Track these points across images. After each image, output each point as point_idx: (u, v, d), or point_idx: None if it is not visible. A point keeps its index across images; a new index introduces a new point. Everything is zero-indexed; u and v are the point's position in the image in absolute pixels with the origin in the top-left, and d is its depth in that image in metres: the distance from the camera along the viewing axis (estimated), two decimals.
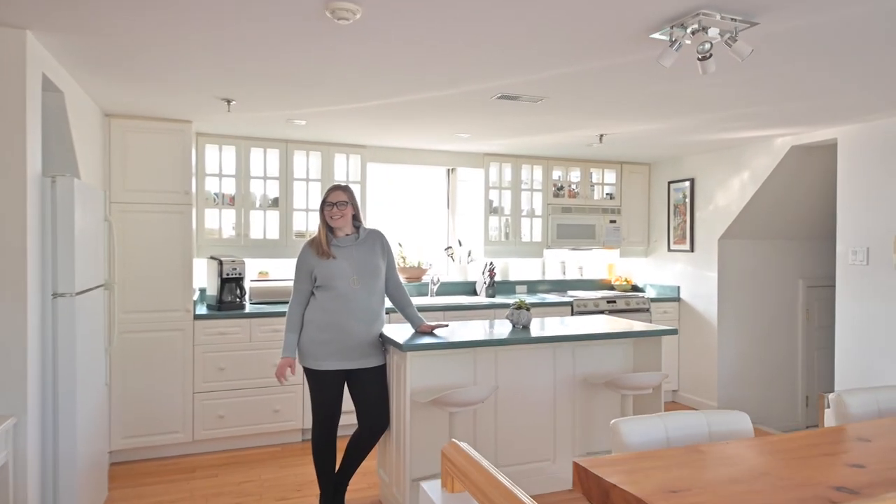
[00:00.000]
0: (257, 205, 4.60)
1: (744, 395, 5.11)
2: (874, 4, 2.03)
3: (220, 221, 4.49)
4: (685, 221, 5.38)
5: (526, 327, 3.42)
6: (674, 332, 3.50)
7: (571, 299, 5.09)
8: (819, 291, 5.33)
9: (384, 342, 3.14)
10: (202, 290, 4.58)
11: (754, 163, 4.70)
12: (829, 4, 2.04)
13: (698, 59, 2.28)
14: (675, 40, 2.20)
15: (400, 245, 5.37)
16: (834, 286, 5.28)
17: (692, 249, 5.30)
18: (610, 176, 5.74)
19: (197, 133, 4.34)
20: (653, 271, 5.79)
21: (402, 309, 3.23)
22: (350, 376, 3.05)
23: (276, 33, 2.34)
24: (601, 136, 4.33)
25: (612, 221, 5.64)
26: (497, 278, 5.52)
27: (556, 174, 5.55)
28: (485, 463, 1.15)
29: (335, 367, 2.98)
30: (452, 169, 5.57)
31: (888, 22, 2.19)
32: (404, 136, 4.53)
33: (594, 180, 5.67)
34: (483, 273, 5.33)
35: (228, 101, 3.40)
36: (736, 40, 2.16)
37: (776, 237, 5.16)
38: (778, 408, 5.23)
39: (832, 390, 5.36)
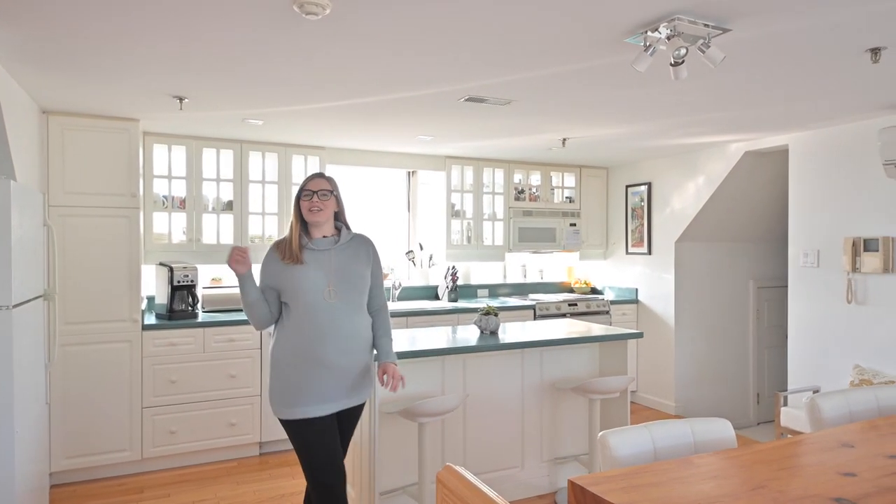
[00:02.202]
0: (210, 208, 4.39)
1: (700, 394, 5.23)
2: (820, 17, 2.08)
3: (170, 226, 4.26)
4: (643, 224, 5.46)
5: (494, 333, 3.37)
6: (639, 335, 3.52)
7: (533, 303, 5.09)
8: (768, 292, 5.51)
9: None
10: (150, 299, 4.33)
11: (709, 168, 4.81)
12: (792, 14, 2.06)
13: (671, 64, 2.28)
14: (650, 45, 2.19)
15: None
16: (782, 287, 5.48)
17: (650, 252, 5.38)
18: (569, 179, 5.78)
19: (144, 132, 4.10)
20: (612, 273, 5.86)
21: (378, 337, 2.47)
22: (341, 414, 2.39)
23: (238, 28, 2.21)
24: (564, 139, 4.33)
25: (572, 224, 5.67)
26: (459, 282, 5.46)
27: (517, 177, 5.54)
28: (485, 488, 1.08)
29: (320, 412, 2.26)
30: (413, 172, 5.49)
31: (833, 34, 2.25)
32: (366, 138, 4.42)
33: (554, 184, 5.70)
34: (445, 277, 5.26)
35: (181, 99, 3.22)
36: (709, 46, 2.16)
37: (729, 240, 5.31)
38: (731, 406, 5.37)
39: (782, 388, 5.54)
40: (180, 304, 4.04)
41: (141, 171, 3.89)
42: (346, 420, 2.42)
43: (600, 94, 3.13)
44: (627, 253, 5.64)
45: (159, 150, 4.24)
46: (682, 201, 5.05)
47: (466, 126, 3.93)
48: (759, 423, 5.48)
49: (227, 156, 4.43)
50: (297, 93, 3.12)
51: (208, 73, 2.79)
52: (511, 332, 3.50)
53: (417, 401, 2.79)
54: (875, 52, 2.42)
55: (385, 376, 2.41)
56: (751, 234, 5.33)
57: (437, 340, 3.20)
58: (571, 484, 1.32)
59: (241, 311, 4.40)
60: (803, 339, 4.12)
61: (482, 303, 5.16)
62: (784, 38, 2.32)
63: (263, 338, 4.09)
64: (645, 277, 5.45)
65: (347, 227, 2.47)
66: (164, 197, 4.26)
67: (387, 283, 5.20)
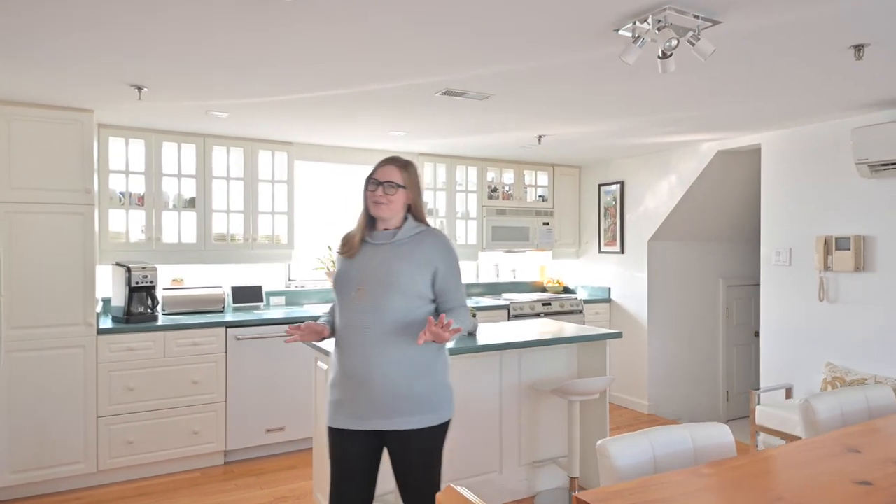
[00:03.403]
0: (170, 205, 4.17)
1: (672, 392, 5.24)
2: (809, 10, 2.04)
3: (128, 224, 4.02)
4: (615, 223, 5.45)
5: (472, 334, 3.27)
6: (618, 335, 3.47)
7: (507, 303, 5.01)
8: (737, 290, 5.56)
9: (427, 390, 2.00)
10: (106, 301, 4.09)
11: (682, 167, 4.82)
12: (784, 7, 2.02)
13: (659, 57, 2.22)
14: (639, 36, 2.12)
15: (329, 249, 5.08)
16: (750, 285, 5.54)
17: (622, 251, 5.37)
18: (542, 178, 5.73)
19: (99, 124, 3.86)
20: (584, 273, 5.83)
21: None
22: (385, 439, 2.03)
23: (202, 11, 2.05)
24: (540, 136, 4.26)
25: (545, 223, 5.62)
26: None
27: (490, 175, 5.46)
28: None
29: (342, 424, 2.00)
30: None
31: (819, 29, 2.22)
32: (336, 133, 4.26)
33: (527, 182, 5.64)
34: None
35: (139, 88, 3.02)
36: (699, 39, 2.11)
37: (701, 239, 5.33)
38: (702, 404, 5.40)
39: (750, 385, 5.61)
40: (139, 307, 3.82)
41: (96, 165, 3.65)
42: (394, 453, 2.00)
43: (581, 90, 3.07)
44: (600, 252, 5.62)
45: (116, 144, 4.00)
46: (655, 200, 5.05)
47: (442, 121, 3.82)
48: (728, 420, 5.53)
49: (189, 150, 4.21)
50: (264, 83, 2.96)
51: (168, 60, 2.60)
52: (488, 333, 3.40)
53: None
54: (859, 48, 2.41)
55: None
56: (721, 233, 5.37)
57: None
58: (578, 501, 1.22)
59: (204, 312, 4.20)
60: (775, 337, 4.15)
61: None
62: (770, 33, 2.28)
63: (229, 341, 3.89)
64: (618, 276, 5.44)
65: (425, 222, 2.10)
66: (121, 193, 4.02)
67: None
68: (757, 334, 5.58)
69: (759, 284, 5.49)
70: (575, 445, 3.24)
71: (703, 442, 1.59)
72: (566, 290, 5.94)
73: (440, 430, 2.04)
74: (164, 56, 2.55)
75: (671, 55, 2.21)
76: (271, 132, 4.21)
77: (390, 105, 3.40)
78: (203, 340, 3.83)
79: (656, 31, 2.08)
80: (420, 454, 2.00)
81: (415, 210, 2.09)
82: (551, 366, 3.50)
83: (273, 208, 4.49)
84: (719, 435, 1.62)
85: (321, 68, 2.71)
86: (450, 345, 2.99)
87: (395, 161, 2.08)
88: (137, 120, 3.82)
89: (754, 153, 4.52)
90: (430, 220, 5.01)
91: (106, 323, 3.74)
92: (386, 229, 2.07)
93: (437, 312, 2.05)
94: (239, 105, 3.41)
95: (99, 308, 3.76)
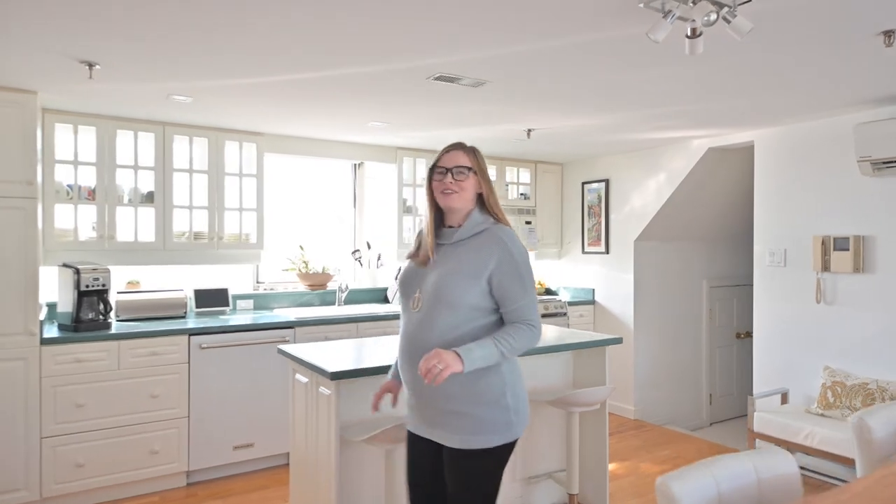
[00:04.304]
0: (126, 200, 3.77)
1: (657, 397, 5.09)
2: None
3: (76, 220, 3.61)
4: (600, 223, 5.27)
5: None
6: (618, 341, 3.27)
7: None
8: (720, 291, 5.46)
9: (454, 404, 1.79)
10: (52, 307, 3.67)
11: (671, 165, 4.66)
12: None
13: (687, 36, 2.01)
14: (669, 11, 1.90)
15: (301, 249, 4.74)
16: (732, 286, 5.45)
17: (607, 251, 5.20)
18: (524, 175, 5.51)
19: (44, 108, 3.45)
20: (567, 273, 5.64)
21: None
22: (443, 450, 1.88)
23: None
24: (529, 130, 4.03)
25: (528, 223, 5.40)
26: None
27: None
28: None
29: (414, 430, 1.93)
30: (360, 164, 5.03)
31: (850, 11, 2.05)
32: (310, 124, 3.94)
33: (508, 179, 5.41)
34: (396, 278, 4.85)
35: (90, 65, 2.65)
36: (735, 15, 1.90)
37: (685, 238, 5.20)
38: (685, 407, 5.27)
39: (734, 388, 5.51)
40: (89, 313, 3.42)
41: (39, 155, 3.25)
42: (447, 465, 1.85)
43: (581, 78, 2.84)
44: (584, 252, 5.43)
45: (63, 131, 3.59)
46: (643, 199, 4.89)
47: (427, 112, 3.55)
48: (711, 424, 5.42)
49: (148, 140, 3.83)
50: (231, 62, 2.63)
51: (124, 31, 2.26)
52: None
53: (380, 426, 2.38)
54: (889, 34, 2.25)
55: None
56: (706, 233, 5.25)
57: (387, 350, 2.79)
58: None
59: (164, 318, 3.82)
60: (770, 339, 4.02)
61: None
62: (799, 13, 2.09)
63: (193, 350, 3.53)
64: (602, 277, 5.26)
65: (495, 217, 1.87)
66: (69, 186, 3.61)
67: (332, 286, 4.73)
68: (739, 336, 5.50)
69: (741, 285, 5.42)
70: (574, 459, 3.02)
71: (767, 473, 1.38)
72: (548, 291, 5.74)
73: (490, 456, 1.80)
74: (118, 27, 2.20)
75: (700, 34, 2.00)
76: (239, 121, 3.86)
77: (374, 92, 3.11)
78: (163, 350, 3.46)
79: (691, 5, 1.86)
80: (463, 474, 1.82)
81: (488, 202, 1.88)
82: (546, 374, 3.27)
83: (241, 204, 4.14)
84: (784, 464, 1.41)
85: (292, 46, 2.41)
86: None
87: (460, 146, 1.91)
88: (88, 104, 3.42)
89: (745, 151, 4.40)
90: (408, 218, 4.81)
91: (51, 331, 3.33)
92: (450, 227, 1.89)
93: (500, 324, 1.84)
94: (204, 88, 3.06)
95: (43, 315, 3.35)
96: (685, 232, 5.10)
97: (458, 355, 1.68)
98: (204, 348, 3.55)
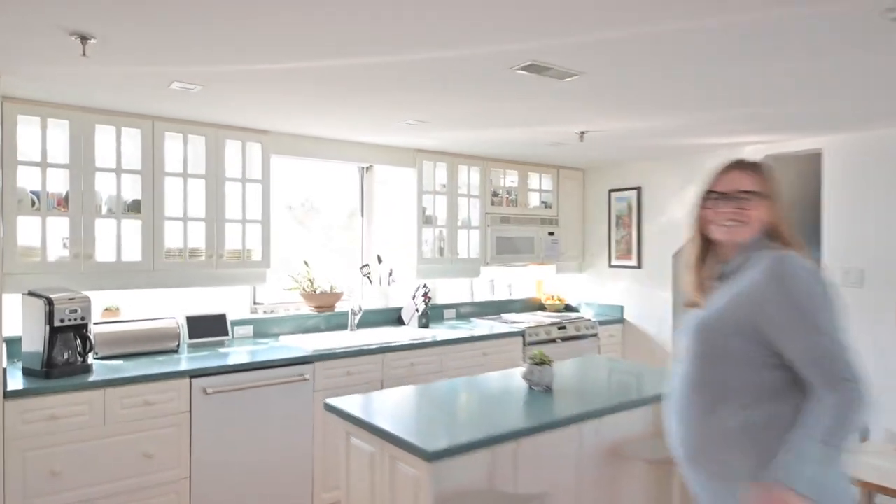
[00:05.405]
0: (105, 210, 3.09)
1: None
2: None
3: (45, 235, 2.90)
4: (630, 234, 4.85)
5: (549, 389, 2.49)
6: None
7: (521, 329, 4.25)
8: None
9: None
10: (14, 344, 2.94)
11: None
12: None
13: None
14: None
15: (306, 265, 4.12)
16: None
17: (640, 265, 4.78)
18: (546, 181, 5.04)
19: (3, 96, 2.74)
20: (589, 288, 5.20)
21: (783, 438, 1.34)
22: None
23: None
24: (582, 133, 3.55)
25: (551, 234, 4.93)
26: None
27: (494, 177, 4.69)
28: None
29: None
30: (368, 167, 4.44)
31: None
32: (322, 121, 3.32)
33: (530, 186, 4.92)
34: (414, 298, 4.29)
35: (84, 39, 1.99)
36: None
37: None
38: None
39: None
40: (64, 353, 2.73)
41: None
42: None
43: (691, 69, 2.38)
44: (610, 266, 5.00)
45: (28, 125, 2.88)
46: (683, 210, 4.48)
47: (482, 108, 3.00)
48: None
49: (133, 137, 3.15)
50: (258, 44, 2.05)
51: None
52: (564, 386, 2.61)
53: None
54: None
55: None
56: None
57: (483, 411, 2.24)
58: None
59: (153, 353, 3.16)
60: None
61: (456, 328, 4.26)
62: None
63: (195, 396, 2.88)
64: (632, 294, 4.84)
65: (786, 244, 1.44)
66: (35, 193, 2.90)
67: (341, 307, 4.12)
68: None
69: None
70: None
71: None
72: (568, 307, 5.29)
73: None
74: None
75: None
76: (244, 116, 3.22)
77: (426, 83, 2.55)
78: (158, 397, 2.80)
79: None
80: None
81: (779, 231, 1.46)
82: (633, 424, 2.78)
83: (244, 215, 3.50)
84: None
85: (338, 22, 1.84)
86: (537, 422, 2.19)
87: (740, 165, 1.52)
88: (60, 92, 2.73)
89: (804, 159, 4.04)
90: (427, 229, 4.25)
91: (16, 380, 2.63)
92: (719, 262, 1.53)
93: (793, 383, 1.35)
94: (216, 75, 2.44)
95: (4, 359, 2.64)
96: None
97: (788, 486, 1.22)
98: (209, 394, 2.91)
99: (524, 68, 2.29)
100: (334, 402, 2.25)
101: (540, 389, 2.46)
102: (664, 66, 2.31)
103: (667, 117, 3.19)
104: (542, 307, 5.29)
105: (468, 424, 2.05)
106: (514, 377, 2.69)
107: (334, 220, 4.41)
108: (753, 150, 4.05)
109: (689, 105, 2.93)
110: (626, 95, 2.75)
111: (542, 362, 2.44)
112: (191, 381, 2.88)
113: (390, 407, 2.26)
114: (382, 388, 3.47)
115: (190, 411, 2.87)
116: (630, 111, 3.05)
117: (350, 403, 2.22)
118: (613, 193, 4.98)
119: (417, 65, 2.30)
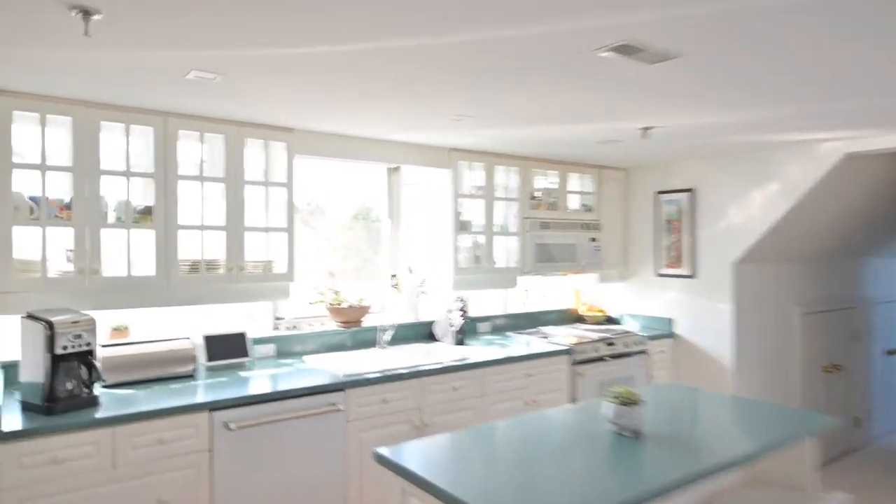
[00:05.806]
0: (113, 219, 2.73)
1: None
2: None
3: (45, 247, 2.55)
4: (681, 240, 4.46)
5: (638, 433, 2.10)
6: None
7: (567, 347, 3.86)
8: (813, 318, 4.72)
9: None
10: (10, 371, 2.58)
11: (786, 172, 3.87)
12: None
13: None
14: None
15: (332, 275, 3.76)
16: (828, 311, 4.72)
17: (693, 275, 4.38)
18: (587, 183, 4.65)
19: None
20: (632, 299, 4.81)
21: None
22: None
23: None
24: (646, 129, 3.16)
25: (593, 239, 4.54)
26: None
27: (533, 179, 4.31)
28: None
29: None
30: (395, 168, 4.07)
31: None
32: (364, 117, 2.97)
33: (569, 188, 4.54)
34: (450, 312, 3.91)
35: (87, 14, 1.63)
36: None
37: (797, 260, 4.45)
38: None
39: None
40: (67, 384, 2.37)
41: None
42: None
43: (796, 52, 1.99)
44: (658, 275, 4.61)
45: (25, 123, 2.52)
46: (745, 214, 4.08)
47: (545, 100, 2.62)
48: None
49: (144, 136, 2.79)
50: (294, 23, 1.67)
51: None
52: (661, 432, 2.22)
53: None
54: None
55: None
56: (822, 253, 4.52)
57: (549, 459, 1.87)
58: None
59: (166, 380, 2.80)
60: None
61: (493, 344, 3.89)
62: None
63: (217, 432, 2.52)
64: (684, 305, 4.44)
65: None
66: (33, 200, 2.54)
67: (369, 322, 3.75)
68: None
69: (845, 309, 4.74)
70: None
71: None
72: (609, 319, 4.90)
73: None
74: None
75: None
76: (267, 112, 2.86)
77: (488, 70, 2.18)
78: (175, 435, 2.43)
79: None
80: None
81: None
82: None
83: (267, 223, 3.13)
84: None
85: None
86: (632, 488, 1.81)
87: None
88: (60, 84, 2.37)
89: (884, 157, 3.65)
90: (463, 236, 3.83)
91: (13, 417, 2.27)
92: None
93: None
94: (239, 60, 2.07)
95: (0, 391, 2.29)
96: (800, 252, 4.33)
97: None
98: (233, 430, 2.54)
99: (614, 49, 1.91)
100: (387, 452, 1.88)
101: (628, 435, 2.07)
102: (776, 49, 1.93)
103: (750, 110, 2.80)
104: (580, 319, 4.91)
105: (558, 493, 1.66)
106: (591, 414, 2.31)
107: (339, 220, 3.98)
108: (830, 147, 3.65)
109: (784, 96, 2.54)
110: (719, 84, 2.36)
111: (628, 401, 2.05)
112: (211, 415, 2.51)
113: (454, 460, 1.89)
114: (421, 415, 3.11)
115: (210, 450, 2.50)
116: (711, 103, 2.67)
117: (407, 455, 1.85)
118: (662, 196, 4.59)
119: (477, 47, 1.92)
